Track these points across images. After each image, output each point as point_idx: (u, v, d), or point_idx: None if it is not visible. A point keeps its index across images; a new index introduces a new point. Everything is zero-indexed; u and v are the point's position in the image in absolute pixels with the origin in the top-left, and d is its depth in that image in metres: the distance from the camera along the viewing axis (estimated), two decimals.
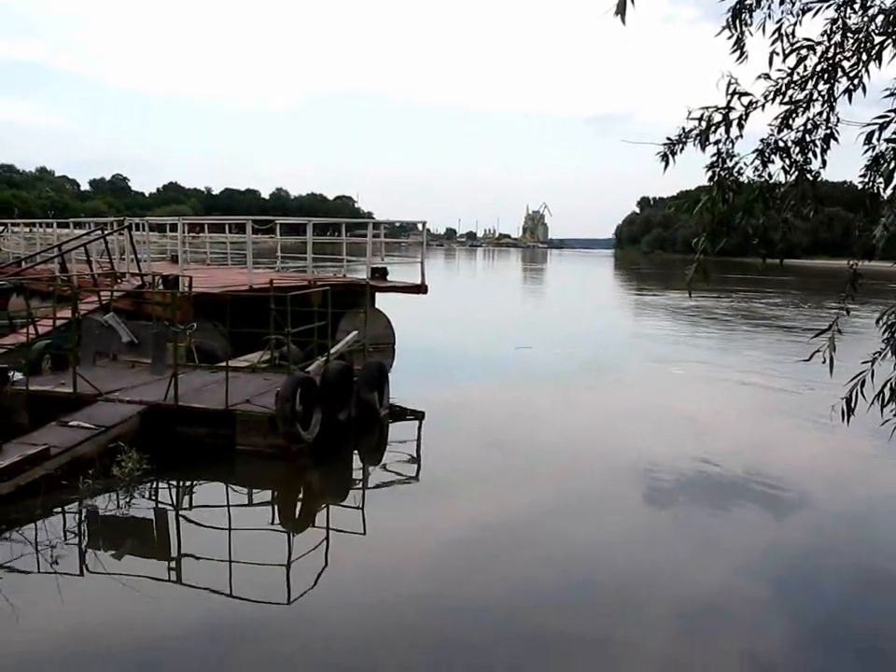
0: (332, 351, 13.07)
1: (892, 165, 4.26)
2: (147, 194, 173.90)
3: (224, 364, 12.20)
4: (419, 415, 13.93)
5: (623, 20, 3.54)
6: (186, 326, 12.88)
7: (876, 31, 4.43)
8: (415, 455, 12.05)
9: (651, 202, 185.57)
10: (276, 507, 9.97)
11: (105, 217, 39.17)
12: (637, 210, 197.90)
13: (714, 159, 4.65)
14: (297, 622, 6.72)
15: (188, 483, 10.33)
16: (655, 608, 7.13)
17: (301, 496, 10.58)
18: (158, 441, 10.42)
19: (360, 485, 10.86)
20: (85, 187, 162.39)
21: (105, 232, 19.55)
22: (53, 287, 15.69)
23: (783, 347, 24.29)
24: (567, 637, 6.56)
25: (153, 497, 9.66)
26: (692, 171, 5.03)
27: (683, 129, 4.61)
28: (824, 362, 4.59)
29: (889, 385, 4.69)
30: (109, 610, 6.84)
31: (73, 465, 9.27)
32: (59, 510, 8.76)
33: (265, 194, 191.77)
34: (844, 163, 5.31)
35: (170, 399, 10.97)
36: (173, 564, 8.02)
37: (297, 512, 10.09)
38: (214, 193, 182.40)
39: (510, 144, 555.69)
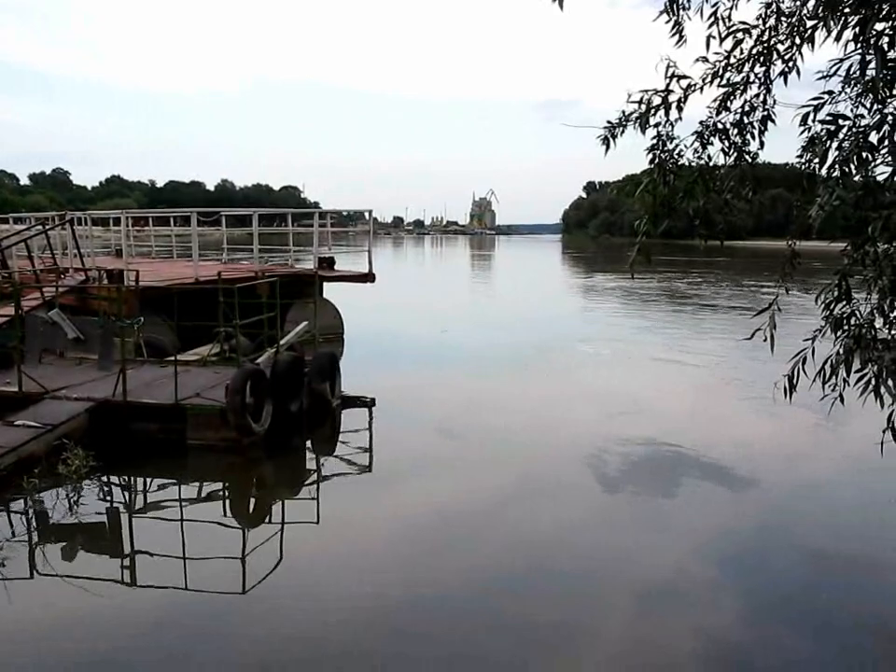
0: (282, 342, 13.00)
1: (826, 146, 4.36)
2: (89, 188, 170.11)
3: (173, 358, 12.08)
4: (370, 404, 13.92)
5: (560, 5, 3.58)
6: (133, 320, 12.73)
7: (808, 15, 4.52)
8: (368, 444, 12.03)
9: (598, 186, 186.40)
10: (229, 500, 9.90)
11: (46, 211, 38.41)
12: (584, 195, 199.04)
13: (654, 141, 4.73)
14: (253, 613, 6.70)
15: (139, 480, 10.23)
16: (617, 590, 7.23)
17: (254, 488, 10.52)
18: (107, 438, 10.30)
19: (314, 476, 10.82)
20: (24, 181, 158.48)
21: (47, 227, 19.16)
22: None
23: (705, 324, 25.60)
24: (528, 623, 6.59)
25: (103, 495, 9.53)
26: (638, 154, 5.09)
27: (623, 112, 4.68)
28: (765, 340, 4.69)
29: (829, 361, 4.81)
30: (60, 610, 6.76)
31: (19, 465, 9.13)
32: (4, 510, 8.64)
33: (210, 186, 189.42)
34: (785, 145, 5.41)
35: (118, 395, 10.84)
36: (125, 561, 7.93)
37: (250, 505, 10.05)
38: (158, 186, 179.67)
39: (457, 131, 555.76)
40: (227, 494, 10.08)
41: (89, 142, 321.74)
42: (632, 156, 5.40)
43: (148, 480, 10.23)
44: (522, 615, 6.70)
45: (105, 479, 9.70)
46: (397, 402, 14.27)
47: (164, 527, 8.71)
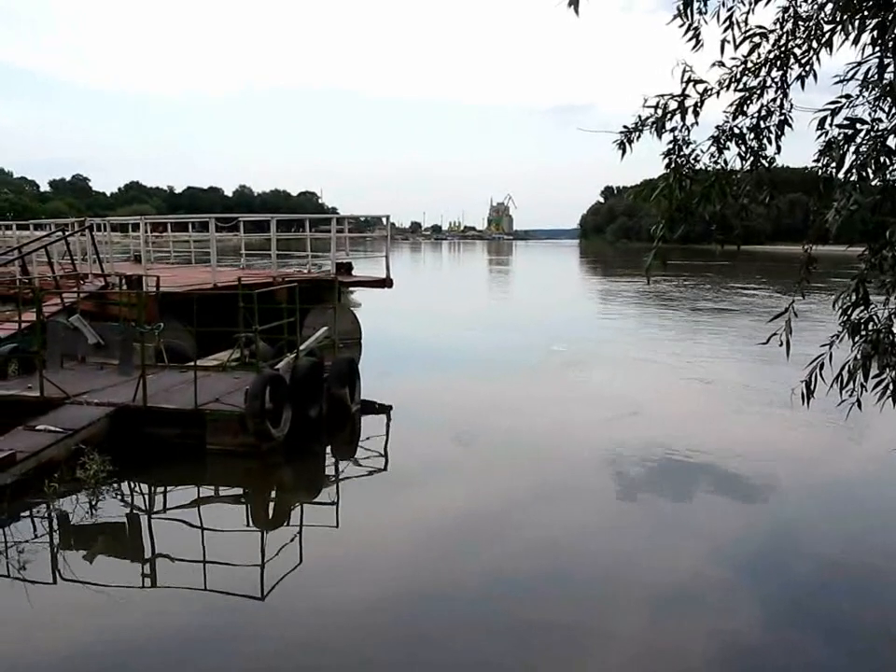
0: (302, 348, 13.04)
1: (843, 150, 4.35)
2: (108, 194, 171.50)
3: (193, 364, 12.15)
4: (387, 409, 13.97)
5: (576, 10, 3.59)
6: (153, 326, 12.80)
7: (825, 19, 4.51)
8: (386, 449, 12.06)
9: (615, 191, 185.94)
10: (248, 505, 9.94)
11: (66, 217, 38.72)
12: (602, 200, 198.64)
13: (671, 146, 4.72)
14: (272, 618, 6.73)
15: (158, 484, 10.28)
16: (631, 594, 7.22)
17: (273, 493, 10.55)
18: (128, 443, 10.37)
19: (332, 481, 10.84)
20: (45, 188, 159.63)
21: (66, 234, 19.33)
22: (15, 290, 15.51)
23: (681, 324, 27.18)
24: (545, 628, 6.59)
25: (124, 499, 9.61)
26: (656, 159, 5.08)
27: (640, 117, 4.67)
28: (781, 345, 4.68)
29: (847, 367, 4.79)
30: (81, 613, 6.81)
31: (40, 469, 9.21)
32: (26, 514, 8.70)
33: (228, 192, 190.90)
34: (804, 149, 5.39)
35: (138, 401, 10.91)
36: (145, 565, 7.98)
37: (269, 510, 10.08)
38: (176, 192, 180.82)
39: (474, 136, 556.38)
40: (246, 499, 10.12)
41: (108, 148, 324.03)
42: (650, 160, 5.38)
43: (168, 485, 10.29)
44: (537, 620, 6.69)
45: (125, 483, 9.78)
46: (413, 405, 14.40)
47: (184, 532, 8.74)
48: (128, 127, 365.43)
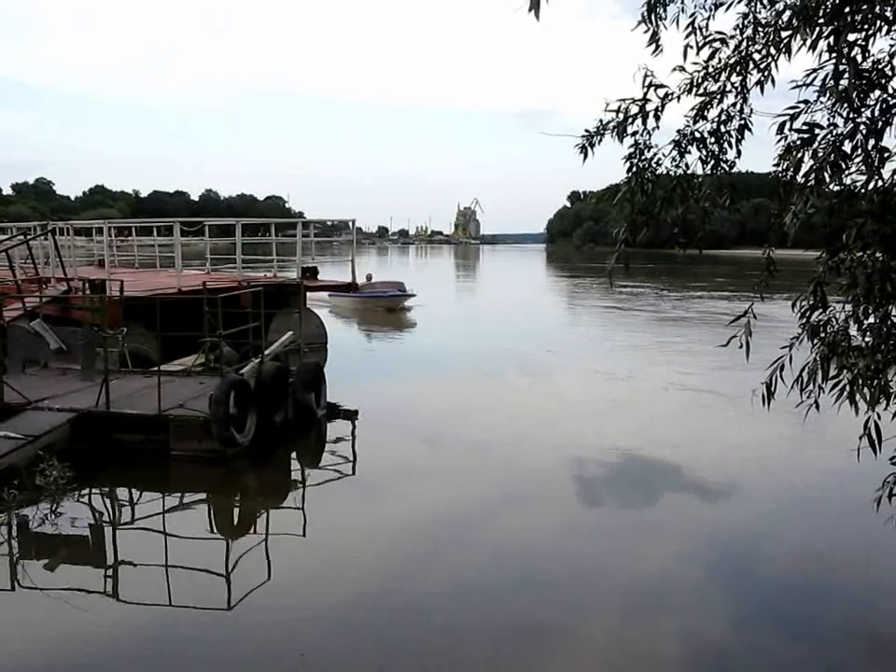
0: (267, 352, 12.97)
1: (801, 154, 4.40)
2: (73, 198, 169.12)
3: (157, 368, 12.03)
4: (353, 414, 13.92)
5: (537, 15, 3.61)
6: (117, 331, 12.67)
7: (783, 25, 4.56)
8: (353, 455, 12.02)
9: (582, 195, 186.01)
10: (213, 512, 9.86)
11: (29, 221, 38.16)
12: (568, 204, 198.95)
13: (632, 150, 4.76)
14: (238, 628, 6.66)
15: (122, 491, 10.19)
16: (601, 595, 7.29)
17: (237, 499, 10.47)
18: (90, 449, 10.25)
19: (298, 487, 10.78)
20: (7, 191, 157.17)
21: (29, 237, 19.10)
22: None
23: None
24: (515, 629, 6.62)
25: (87, 507, 9.47)
26: (622, 163, 5.09)
27: (601, 121, 4.70)
28: (741, 347, 4.73)
29: (806, 368, 4.84)
30: (41, 625, 6.68)
31: (0, 476, 9.07)
32: None
33: (195, 196, 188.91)
34: (768, 155, 5.46)
35: (101, 406, 10.80)
36: (108, 575, 7.87)
37: (234, 516, 10.02)
38: (142, 196, 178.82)
39: (441, 141, 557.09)
40: (211, 505, 10.04)
41: (73, 152, 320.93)
42: (618, 164, 5.42)
43: (131, 491, 10.18)
44: (511, 622, 6.72)
45: (88, 490, 9.65)
46: (380, 410, 14.36)
47: (147, 539, 8.66)
48: (93, 131, 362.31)
